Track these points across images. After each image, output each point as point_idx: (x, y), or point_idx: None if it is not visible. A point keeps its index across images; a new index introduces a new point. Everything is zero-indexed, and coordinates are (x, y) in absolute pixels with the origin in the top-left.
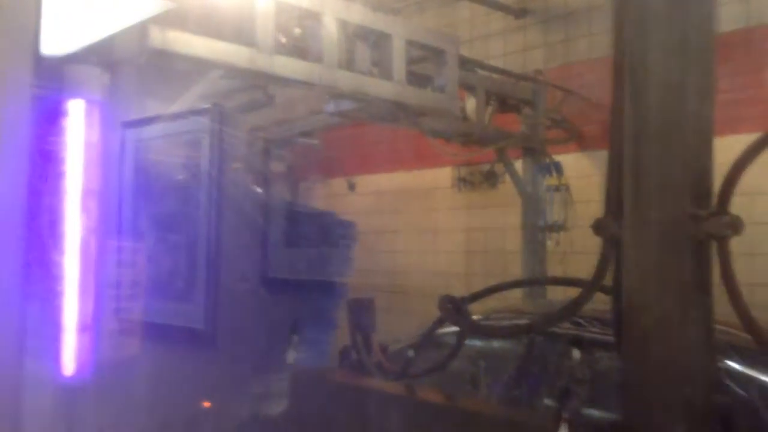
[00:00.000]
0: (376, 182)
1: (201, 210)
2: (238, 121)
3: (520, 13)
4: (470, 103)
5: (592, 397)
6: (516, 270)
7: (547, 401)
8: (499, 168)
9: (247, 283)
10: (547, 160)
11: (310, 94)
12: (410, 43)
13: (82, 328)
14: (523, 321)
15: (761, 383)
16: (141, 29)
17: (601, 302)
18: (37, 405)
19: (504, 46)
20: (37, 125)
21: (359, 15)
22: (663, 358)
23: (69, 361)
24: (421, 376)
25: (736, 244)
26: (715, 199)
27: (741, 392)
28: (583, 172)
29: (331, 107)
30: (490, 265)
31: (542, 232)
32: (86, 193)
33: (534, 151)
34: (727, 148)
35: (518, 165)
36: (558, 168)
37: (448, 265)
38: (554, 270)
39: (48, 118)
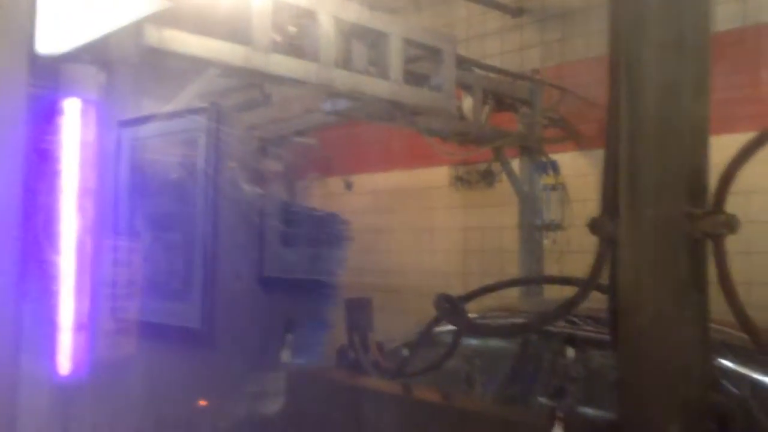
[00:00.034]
0: (373, 181)
1: (197, 209)
2: (235, 120)
3: (517, 12)
4: (467, 102)
5: (586, 396)
6: (513, 269)
7: (542, 399)
8: (496, 167)
9: (243, 282)
10: (544, 159)
11: (307, 93)
12: (407, 42)
13: (78, 327)
14: (519, 320)
15: (755, 382)
16: (137, 28)
17: (595, 301)
18: (33, 404)
19: (501, 45)
20: (33, 124)
21: (355, 13)
22: (658, 356)
23: (65, 360)
24: (418, 375)
25: (731, 242)
26: (710, 198)
27: (735, 391)
28: (579, 171)
29: (327, 106)
30: (487, 264)
31: (539, 231)
32: (82, 192)
33: (531, 150)
34: (722, 147)
35: (515, 164)
36: (555, 167)
37: (445, 264)
38: (551, 269)
39: (44, 117)
